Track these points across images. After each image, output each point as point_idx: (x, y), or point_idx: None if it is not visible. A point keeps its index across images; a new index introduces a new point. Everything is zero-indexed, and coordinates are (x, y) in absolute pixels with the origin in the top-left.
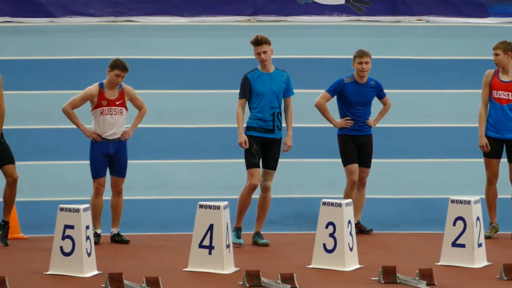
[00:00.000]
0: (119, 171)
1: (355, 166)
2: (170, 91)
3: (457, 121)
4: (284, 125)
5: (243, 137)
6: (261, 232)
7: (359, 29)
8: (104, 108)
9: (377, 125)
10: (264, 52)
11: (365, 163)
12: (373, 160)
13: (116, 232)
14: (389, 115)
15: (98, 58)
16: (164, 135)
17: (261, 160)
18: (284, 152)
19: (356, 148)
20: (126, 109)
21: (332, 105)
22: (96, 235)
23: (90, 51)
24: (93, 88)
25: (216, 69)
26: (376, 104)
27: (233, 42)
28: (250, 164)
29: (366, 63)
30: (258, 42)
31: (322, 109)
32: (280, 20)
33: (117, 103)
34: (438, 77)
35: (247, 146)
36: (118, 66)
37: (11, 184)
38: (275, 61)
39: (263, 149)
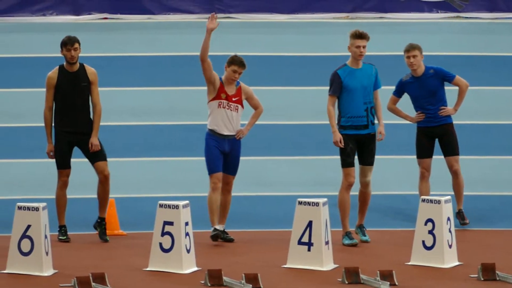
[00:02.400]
0: (232, 169)
1: (422, 160)
2: (268, 87)
3: None
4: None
5: (338, 135)
6: (363, 226)
7: (458, 26)
8: (222, 101)
9: (476, 122)
10: (364, 47)
11: (448, 151)
12: (472, 157)
13: (221, 229)
14: (488, 112)
15: (196, 54)
16: (263, 132)
17: (357, 156)
18: (379, 141)
19: (431, 140)
20: (242, 106)
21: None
22: (216, 231)
23: (188, 48)
24: (217, 76)
25: (314, 66)
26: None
27: (332, 39)
28: (346, 164)
29: (414, 56)
30: (361, 35)
31: (393, 111)
32: (379, 17)
33: (234, 99)
34: None
35: (343, 144)
36: (235, 62)
37: (103, 181)
38: (374, 58)
39: (358, 146)
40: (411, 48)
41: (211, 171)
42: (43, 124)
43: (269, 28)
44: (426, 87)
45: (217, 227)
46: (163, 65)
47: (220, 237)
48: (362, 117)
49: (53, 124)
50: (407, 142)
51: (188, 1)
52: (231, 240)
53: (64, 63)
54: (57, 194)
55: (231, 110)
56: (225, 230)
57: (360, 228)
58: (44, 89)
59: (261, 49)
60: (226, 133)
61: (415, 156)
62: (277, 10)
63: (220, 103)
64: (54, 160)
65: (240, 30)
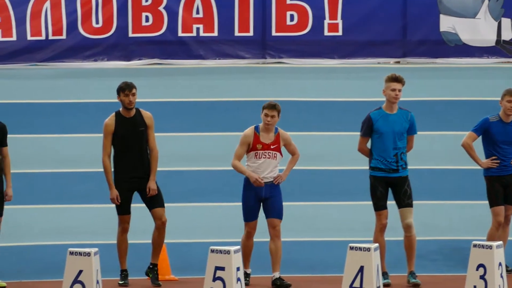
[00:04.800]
0: (276, 213)
1: (501, 208)
2: (319, 133)
3: None
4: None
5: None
6: (414, 272)
7: (510, 71)
8: (258, 151)
9: None
10: (399, 90)
11: (510, 200)
12: None
13: (277, 276)
14: None
15: (248, 100)
16: (313, 177)
17: (395, 200)
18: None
19: (502, 188)
20: (281, 154)
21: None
22: (246, 275)
23: (239, 93)
24: (249, 131)
25: (365, 111)
26: None
27: (383, 84)
28: (377, 207)
29: None
30: (397, 79)
31: (469, 148)
32: (430, 62)
33: (272, 147)
34: None
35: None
36: (266, 106)
37: (160, 227)
38: (424, 103)
39: (392, 189)
40: None
41: (246, 219)
42: (95, 170)
43: (320, 73)
44: (510, 135)
45: (248, 271)
46: (214, 110)
47: (276, 284)
48: (391, 162)
49: (112, 170)
50: (458, 187)
51: (239, 46)
52: (288, 286)
53: (121, 109)
54: (118, 240)
55: (269, 158)
56: (281, 277)
57: (411, 274)
58: (99, 134)
59: (312, 94)
60: (264, 180)
61: (465, 201)
62: (328, 55)
63: (256, 154)
64: (109, 205)
65: (291, 75)
